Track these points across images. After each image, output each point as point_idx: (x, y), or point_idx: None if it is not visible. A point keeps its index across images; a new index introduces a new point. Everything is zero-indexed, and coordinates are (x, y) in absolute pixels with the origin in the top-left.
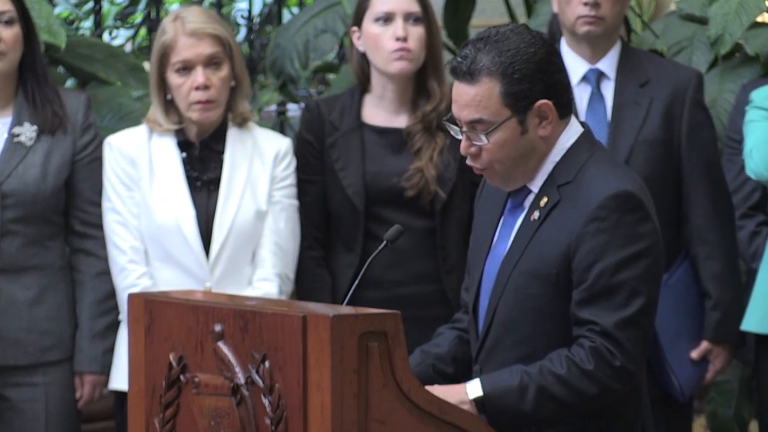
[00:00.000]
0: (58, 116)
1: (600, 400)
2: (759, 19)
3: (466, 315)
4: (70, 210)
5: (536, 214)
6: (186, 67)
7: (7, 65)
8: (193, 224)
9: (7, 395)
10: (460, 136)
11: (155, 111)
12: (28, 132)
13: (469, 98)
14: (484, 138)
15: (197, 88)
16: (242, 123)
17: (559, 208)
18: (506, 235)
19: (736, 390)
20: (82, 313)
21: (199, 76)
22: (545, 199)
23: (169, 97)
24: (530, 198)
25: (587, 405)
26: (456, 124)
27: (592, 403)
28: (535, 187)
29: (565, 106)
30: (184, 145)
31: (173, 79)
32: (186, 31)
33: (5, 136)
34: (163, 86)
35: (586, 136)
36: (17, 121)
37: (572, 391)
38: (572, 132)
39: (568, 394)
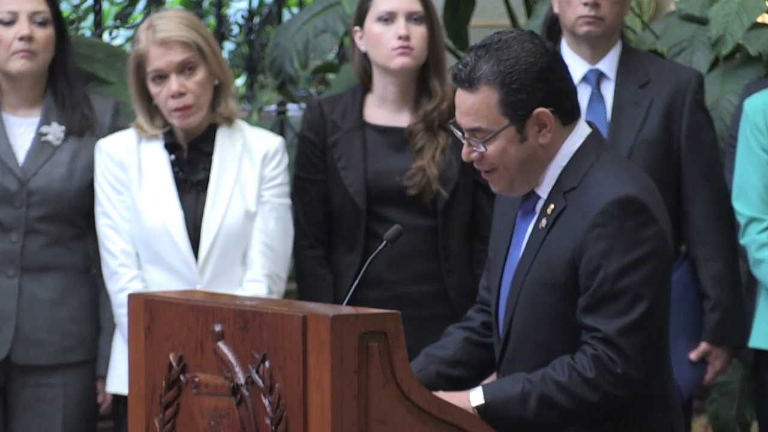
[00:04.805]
0: (87, 118)
1: (601, 407)
2: (759, 19)
3: (479, 314)
4: (94, 212)
5: (544, 222)
6: (160, 76)
7: (38, 65)
8: (181, 227)
9: (26, 394)
10: (464, 141)
11: (140, 118)
12: (55, 131)
13: (468, 106)
14: (482, 146)
15: (173, 96)
16: (227, 122)
17: (564, 215)
18: (519, 242)
19: (738, 391)
20: (105, 317)
21: (172, 84)
22: (552, 206)
23: (154, 102)
24: (540, 203)
25: (588, 412)
26: (460, 129)
27: (594, 410)
28: (544, 193)
29: (569, 114)
30: (172, 147)
31: (151, 87)
32: (155, 40)
33: (33, 135)
34: (145, 93)
35: (593, 138)
36: (45, 121)
37: (573, 399)
38: (578, 136)
39: (569, 402)
